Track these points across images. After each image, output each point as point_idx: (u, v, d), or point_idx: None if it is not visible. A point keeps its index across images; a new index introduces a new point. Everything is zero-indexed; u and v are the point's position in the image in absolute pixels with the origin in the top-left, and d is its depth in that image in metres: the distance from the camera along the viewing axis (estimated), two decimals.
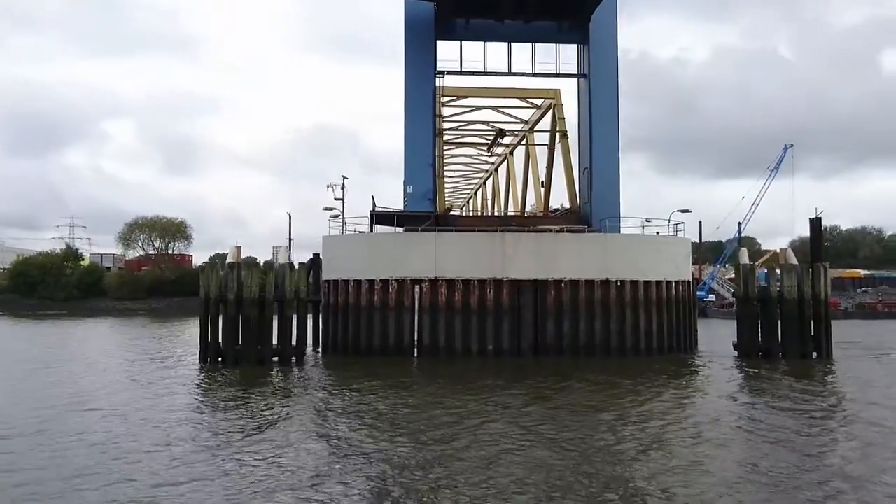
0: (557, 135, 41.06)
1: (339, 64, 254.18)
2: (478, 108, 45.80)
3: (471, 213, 76.31)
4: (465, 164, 63.91)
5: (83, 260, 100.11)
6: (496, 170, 62.43)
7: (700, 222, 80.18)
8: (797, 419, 19.82)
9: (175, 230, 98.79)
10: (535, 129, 45.21)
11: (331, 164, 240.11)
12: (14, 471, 13.79)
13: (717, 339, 40.34)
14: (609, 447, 16.44)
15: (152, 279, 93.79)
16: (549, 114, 42.86)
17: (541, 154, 47.54)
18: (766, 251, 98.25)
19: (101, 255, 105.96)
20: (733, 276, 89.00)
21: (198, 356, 31.76)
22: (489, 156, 52.09)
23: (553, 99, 41.82)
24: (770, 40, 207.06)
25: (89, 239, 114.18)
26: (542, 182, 44.00)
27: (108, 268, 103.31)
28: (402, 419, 19.54)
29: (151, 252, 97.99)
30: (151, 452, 15.46)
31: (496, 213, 56.70)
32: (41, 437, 16.90)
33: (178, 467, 14.20)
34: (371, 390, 24.53)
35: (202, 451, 15.58)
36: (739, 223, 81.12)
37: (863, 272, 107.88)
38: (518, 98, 43.79)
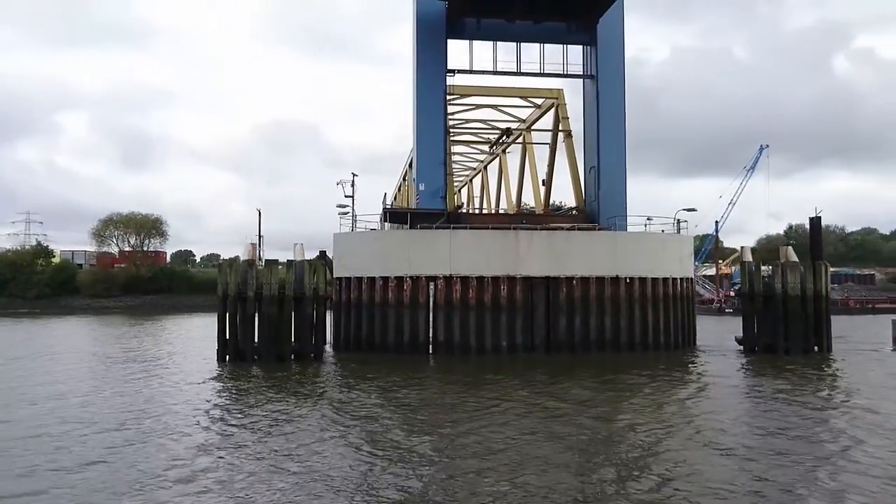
0: (561, 134, 41.62)
1: (300, 58, 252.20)
2: (478, 106, 46.22)
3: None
4: (455, 161, 64.22)
5: (54, 257, 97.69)
6: (485, 168, 62.87)
7: (678, 220, 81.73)
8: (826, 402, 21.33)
9: (151, 227, 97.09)
10: (535, 128, 45.76)
11: (290, 160, 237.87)
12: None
13: (704, 334, 41.24)
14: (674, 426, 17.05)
15: (127, 276, 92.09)
16: (551, 113, 43.45)
17: (539, 152, 48.31)
18: (729, 249, 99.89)
19: (73, 252, 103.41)
20: (711, 273, 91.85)
21: (215, 355, 31.52)
22: (489, 154, 52.45)
23: (556, 99, 42.40)
24: (726, 41, 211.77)
25: (45, 235, 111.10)
26: (543, 180, 44.54)
27: (80, 265, 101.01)
28: (433, 411, 20.11)
29: (127, 249, 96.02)
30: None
31: (488, 211, 57.14)
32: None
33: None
34: (400, 385, 24.91)
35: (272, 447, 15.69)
36: (717, 222, 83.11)
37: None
38: (520, 97, 44.28)
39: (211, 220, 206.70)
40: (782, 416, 19.60)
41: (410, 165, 45.60)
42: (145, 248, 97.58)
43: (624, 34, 38.22)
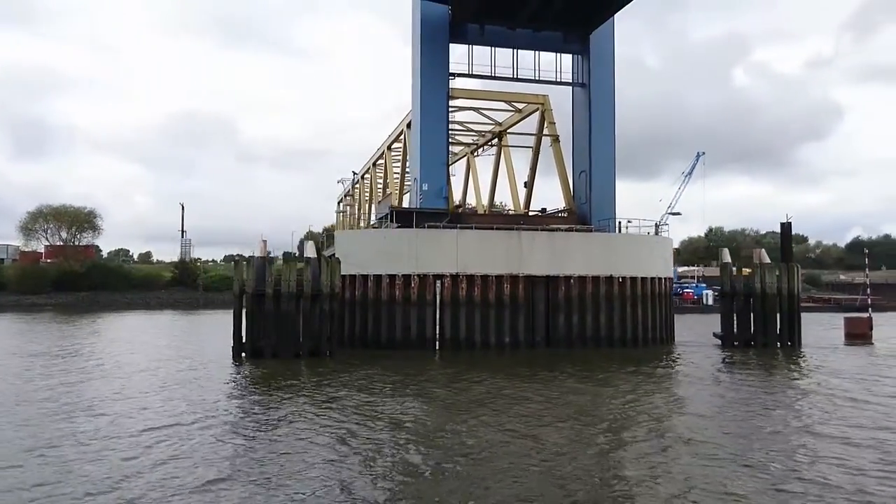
0: (548, 139, 43.26)
1: (211, 48, 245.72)
2: (460, 108, 47.25)
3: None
4: None
5: None
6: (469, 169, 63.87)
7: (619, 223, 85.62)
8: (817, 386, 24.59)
9: (84, 220, 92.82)
10: (515, 132, 47.23)
11: (201, 153, 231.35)
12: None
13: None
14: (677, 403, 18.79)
15: (59, 272, 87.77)
16: (534, 118, 45.07)
17: (518, 155, 49.92)
18: None
19: None
20: None
21: (231, 352, 31.30)
22: (475, 155, 53.56)
23: (542, 104, 44.01)
24: (636, 48, 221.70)
25: None
26: (525, 182, 46.14)
27: (2, 260, 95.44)
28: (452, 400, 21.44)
29: (58, 243, 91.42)
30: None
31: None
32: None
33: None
34: (426, 379, 25.93)
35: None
36: (657, 224, 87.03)
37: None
38: (504, 101, 45.64)
39: (115, 213, 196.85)
40: (784, 395, 21.96)
41: (409, 161, 46.17)
42: (77, 243, 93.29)
43: (614, 45, 40.22)
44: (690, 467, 13.75)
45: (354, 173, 38.85)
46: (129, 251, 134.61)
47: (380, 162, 64.52)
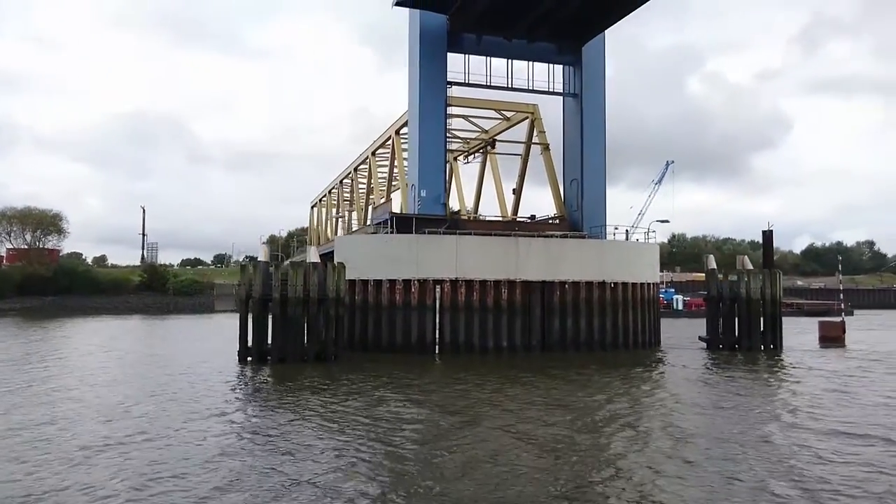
0: (538, 147, 44.30)
1: (163, 47, 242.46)
2: (450, 116, 47.92)
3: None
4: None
5: None
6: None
7: (645, 231, 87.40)
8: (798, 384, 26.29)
9: (49, 223, 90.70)
10: (504, 139, 48.20)
11: (152, 154, 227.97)
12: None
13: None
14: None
15: (23, 276, 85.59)
16: (525, 126, 46.11)
17: (504, 163, 50.91)
18: None
19: None
20: None
21: (237, 356, 31.37)
22: (465, 162, 54.29)
23: (532, 113, 45.07)
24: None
25: None
26: (514, 189, 47.12)
27: None
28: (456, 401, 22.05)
29: (23, 246, 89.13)
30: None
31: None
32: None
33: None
34: (429, 381, 26.65)
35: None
36: (627, 230, 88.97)
37: (694, 276, 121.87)
38: (493, 109, 46.56)
39: (65, 215, 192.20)
40: (772, 391, 23.40)
41: (406, 167, 46.43)
42: (41, 246, 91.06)
43: (605, 58, 41.44)
44: (695, 456, 14.87)
45: (351, 180, 39.10)
46: (81, 254, 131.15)
47: (363, 167, 64.92)
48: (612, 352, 37.34)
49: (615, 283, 38.09)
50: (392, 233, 36.86)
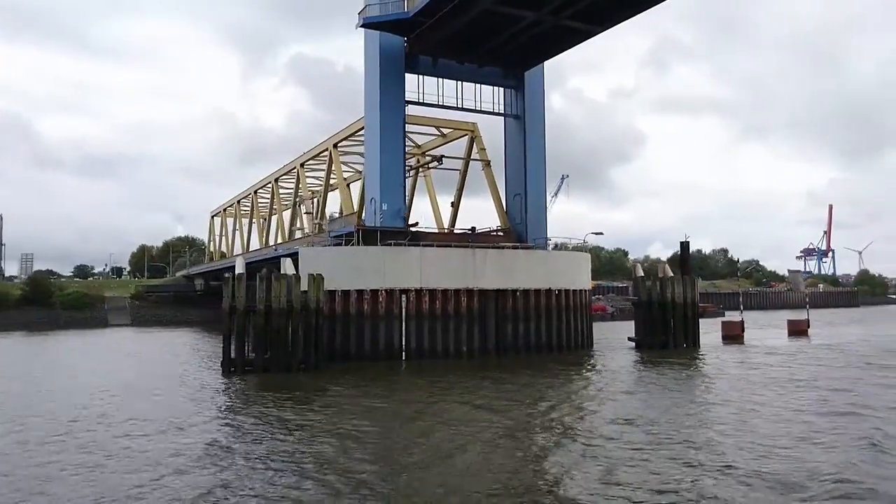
0: (480, 163, 47.16)
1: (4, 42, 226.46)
2: None
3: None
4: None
5: None
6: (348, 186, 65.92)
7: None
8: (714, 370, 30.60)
9: None
10: (445, 155, 50.63)
11: None
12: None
13: None
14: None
15: None
16: (464, 143, 48.88)
17: (436, 177, 53.40)
18: None
19: None
20: None
21: (220, 368, 31.68)
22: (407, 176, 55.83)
23: (472, 131, 47.91)
24: None
25: None
26: (452, 202, 49.72)
27: None
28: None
29: None
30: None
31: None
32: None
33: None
34: (406, 384, 29.36)
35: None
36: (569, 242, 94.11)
37: (592, 283, 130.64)
38: (434, 126, 48.96)
39: None
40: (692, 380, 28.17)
41: (365, 181, 46.96)
42: None
43: (544, 82, 44.95)
44: (629, 435, 18.18)
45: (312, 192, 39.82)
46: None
47: (286, 177, 65.09)
48: (557, 353, 40.61)
49: (559, 291, 41.49)
50: (356, 245, 38.19)
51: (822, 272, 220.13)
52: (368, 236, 38.16)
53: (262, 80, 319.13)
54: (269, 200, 70.11)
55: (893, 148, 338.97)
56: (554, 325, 41.13)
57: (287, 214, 64.18)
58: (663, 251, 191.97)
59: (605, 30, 38.11)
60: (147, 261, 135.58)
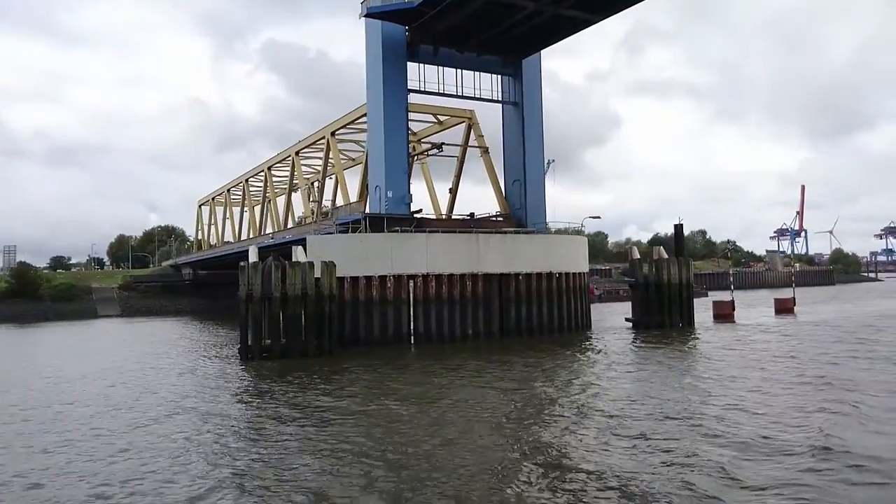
0: (478, 150, 47.98)
1: None
2: None
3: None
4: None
5: None
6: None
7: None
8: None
9: None
10: (443, 142, 51.31)
11: None
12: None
13: None
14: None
15: None
16: (461, 130, 49.63)
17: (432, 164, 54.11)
18: None
19: None
20: None
21: (238, 354, 32.36)
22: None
23: (470, 118, 48.66)
24: None
25: None
26: (450, 188, 50.52)
27: None
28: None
29: None
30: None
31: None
32: None
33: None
34: (418, 366, 30.22)
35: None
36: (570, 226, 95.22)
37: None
38: (431, 114, 49.63)
39: None
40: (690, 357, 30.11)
41: (369, 169, 47.49)
42: None
43: (541, 71, 45.78)
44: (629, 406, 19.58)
45: (321, 181, 40.53)
46: None
47: (280, 165, 65.38)
48: (558, 335, 41.79)
49: (559, 274, 42.60)
50: (363, 232, 38.89)
51: (795, 252, 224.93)
52: (375, 223, 38.84)
53: (234, 65, 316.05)
54: (262, 188, 70.25)
55: (863, 130, 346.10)
56: (555, 307, 42.26)
57: (282, 201, 64.52)
58: (638, 234, 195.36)
59: (602, 18, 39.02)
60: (130, 251, 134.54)
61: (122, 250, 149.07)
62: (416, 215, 41.56)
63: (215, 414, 20.04)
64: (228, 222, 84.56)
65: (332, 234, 41.39)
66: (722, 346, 34.60)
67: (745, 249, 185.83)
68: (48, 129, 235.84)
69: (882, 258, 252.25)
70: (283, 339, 32.64)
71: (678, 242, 49.02)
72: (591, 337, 41.38)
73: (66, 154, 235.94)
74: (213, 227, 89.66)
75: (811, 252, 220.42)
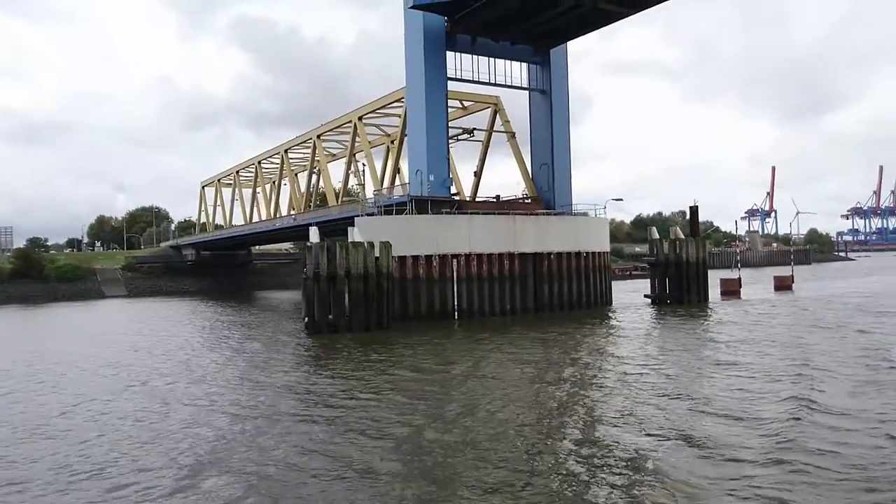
0: (505, 135, 50.23)
1: None
2: None
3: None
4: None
5: None
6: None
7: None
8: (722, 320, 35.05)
9: None
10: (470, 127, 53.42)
11: None
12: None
13: None
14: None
15: None
16: (487, 115, 51.82)
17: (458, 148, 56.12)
18: None
19: None
20: None
21: (305, 328, 34.53)
22: None
23: (496, 104, 50.84)
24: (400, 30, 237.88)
25: None
26: (475, 172, 52.80)
27: None
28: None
29: None
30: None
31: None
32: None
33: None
34: (463, 337, 32.31)
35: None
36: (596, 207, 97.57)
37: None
38: (457, 100, 51.65)
39: None
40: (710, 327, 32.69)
41: (408, 154, 49.43)
42: None
43: (567, 60, 48.06)
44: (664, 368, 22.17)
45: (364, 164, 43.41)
46: None
47: (298, 148, 66.87)
48: (587, 310, 44.57)
49: (587, 253, 45.27)
50: (409, 214, 41.06)
51: (766, 231, 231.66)
52: (420, 205, 41.00)
53: (203, 41, 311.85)
54: (277, 170, 71.61)
55: (833, 110, 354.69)
56: (583, 284, 44.99)
57: (303, 179, 66.06)
58: (614, 214, 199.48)
59: (637, 12, 41.28)
60: (125, 233, 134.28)
61: (103, 231, 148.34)
62: (455, 198, 43.74)
63: (339, 377, 22.32)
64: (238, 203, 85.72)
65: (373, 214, 43.36)
66: (741, 318, 37.39)
67: (723, 230, 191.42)
68: (12, 107, 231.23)
69: (848, 238, 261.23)
70: (348, 315, 34.76)
71: (693, 223, 51.93)
72: (615, 312, 44.09)
73: (33, 132, 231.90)
74: (219, 208, 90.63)
75: (780, 232, 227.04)
